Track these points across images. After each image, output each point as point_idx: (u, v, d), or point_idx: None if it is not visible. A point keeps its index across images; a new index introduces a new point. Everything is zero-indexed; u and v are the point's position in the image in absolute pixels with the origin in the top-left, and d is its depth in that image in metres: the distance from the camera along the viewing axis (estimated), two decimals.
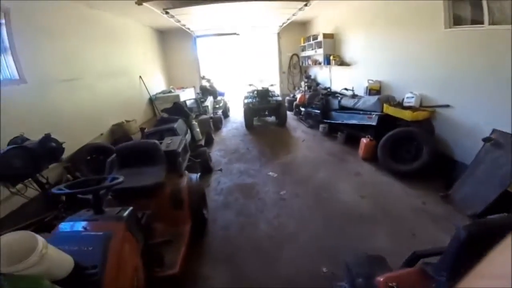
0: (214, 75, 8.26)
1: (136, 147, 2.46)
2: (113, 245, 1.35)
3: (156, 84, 7.63)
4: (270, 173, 4.00)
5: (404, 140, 3.65)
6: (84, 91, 4.26)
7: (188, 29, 7.21)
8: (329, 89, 5.54)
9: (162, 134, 3.40)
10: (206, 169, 3.97)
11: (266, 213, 3.00)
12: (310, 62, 7.95)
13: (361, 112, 4.53)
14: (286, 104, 7.41)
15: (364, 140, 4.25)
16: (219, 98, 7.45)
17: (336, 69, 6.61)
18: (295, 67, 9.23)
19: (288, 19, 6.65)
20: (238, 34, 8.45)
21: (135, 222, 1.66)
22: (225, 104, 7.57)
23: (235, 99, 9.09)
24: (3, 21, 3.00)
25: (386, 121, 4.06)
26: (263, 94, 6.04)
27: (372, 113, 4.29)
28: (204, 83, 7.35)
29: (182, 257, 1.95)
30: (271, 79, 8.44)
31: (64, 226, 1.50)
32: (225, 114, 7.60)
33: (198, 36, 8.46)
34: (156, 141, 2.45)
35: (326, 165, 4.16)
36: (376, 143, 3.99)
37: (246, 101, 6.07)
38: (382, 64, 4.81)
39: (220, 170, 4.16)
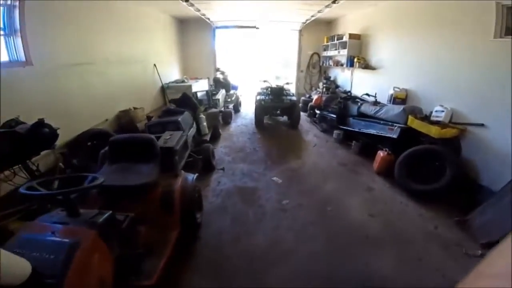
0: (229, 68, 8.06)
1: (130, 141, 2.29)
2: (78, 255, 1.21)
3: (171, 73, 7.53)
4: (275, 178, 3.76)
5: (426, 158, 3.30)
6: (94, 76, 4.19)
7: (208, 19, 7.02)
8: (349, 93, 5.18)
9: (164, 127, 3.24)
10: (207, 167, 3.80)
11: (265, 223, 2.78)
12: (331, 62, 7.56)
13: (382, 122, 4.17)
14: (301, 105, 7.10)
15: (381, 153, 3.90)
16: (231, 91, 7.24)
17: (359, 72, 6.21)
18: (314, 67, 8.86)
19: (312, 16, 6.31)
20: (257, 28, 8.16)
21: (112, 228, 1.50)
22: (237, 98, 7.35)
23: (248, 94, 8.87)
24: (17, 3, 2.93)
25: (409, 135, 3.71)
26: (277, 92, 5.75)
27: (395, 124, 3.93)
28: (218, 75, 7.15)
29: (162, 267, 1.78)
30: (287, 77, 8.20)
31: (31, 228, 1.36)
32: (236, 108, 7.40)
33: (217, 27, 8.26)
34: (152, 136, 2.27)
35: (336, 176, 3.88)
36: (394, 157, 3.66)
37: (258, 97, 5.81)
38: (411, 71, 4.42)
39: (222, 169, 3.97)
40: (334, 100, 6.26)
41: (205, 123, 4.32)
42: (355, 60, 5.83)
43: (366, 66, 5.61)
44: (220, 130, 5.22)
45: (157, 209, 2.11)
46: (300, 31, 8.45)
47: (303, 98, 7.70)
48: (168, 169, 2.37)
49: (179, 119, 3.26)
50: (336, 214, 2.94)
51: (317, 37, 8.37)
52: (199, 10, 5.63)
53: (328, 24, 8.35)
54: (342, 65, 6.84)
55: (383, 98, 4.77)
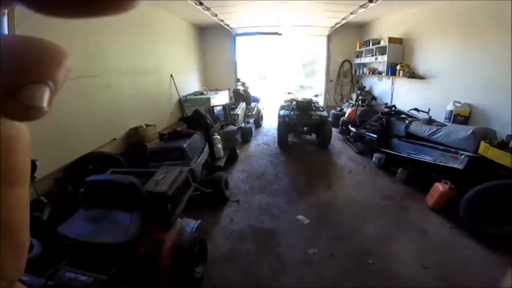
0: (250, 79, 7.55)
1: (107, 185, 1.76)
2: None
3: (189, 84, 7.17)
4: (300, 217, 3.03)
5: (505, 196, 2.47)
6: (98, 90, 3.80)
7: (227, 25, 6.60)
8: (393, 108, 4.30)
9: (166, 155, 2.72)
10: (219, 199, 3.19)
11: (283, 280, 2.16)
12: (366, 70, 6.69)
13: (441, 147, 3.29)
14: (330, 119, 6.31)
15: (440, 186, 3.02)
16: (252, 104, 6.66)
17: (401, 82, 5.30)
18: (345, 76, 8.01)
19: (343, 19, 5.57)
20: (280, 34, 7.58)
21: None
22: (258, 112, 6.73)
23: (271, 106, 8.26)
24: (5, 11, 2.60)
25: (480, 166, 2.82)
26: (304, 107, 5.02)
27: (460, 151, 3.03)
28: (239, 86, 6.63)
29: None
30: (313, 87, 7.48)
31: None
32: (258, 123, 6.78)
33: (237, 35, 7.82)
34: (134, 180, 1.71)
35: (378, 214, 3.08)
36: (458, 192, 2.84)
37: (282, 112, 5.12)
38: (476, 82, 3.50)
39: (237, 202, 3.33)
40: (370, 114, 5.40)
41: (220, 145, 3.74)
42: (398, 67, 4.95)
43: (412, 75, 4.70)
44: (238, 151, 4.61)
45: (137, 273, 1.61)
46: (329, 36, 7.70)
47: (333, 111, 6.87)
48: (158, 219, 1.82)
49: (184, 145, 2.70)
50: (380, 267, 2.26)
51: (348, 43, 7.58)
52: (216, 15, 5.19)
53: (360, 28, 7.52)
54: (380, 73, 5.96)
55: (437, 115, 3.84)
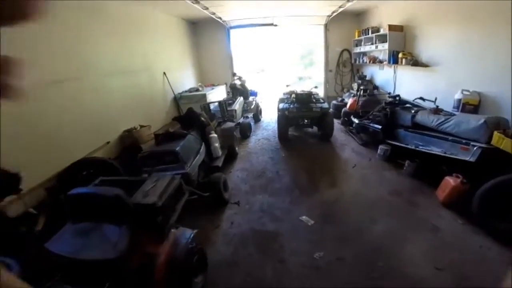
0: (247, 73, 7.32)
1: (91, 198, 1.60)
2: None
3: (185, 81, 6.94)
4: (304, 217, 2.89)
5: None
6: (86, 93, 3.59)
7: (220, 18, 6.34)
8: (397, 97, 4.10)
9: (159, 159, 2.55)
10: (218, 202, 3.05)
11: (288, 286, 2.06)
12: (366, 59, 6.45)
13: (450, 138, 3.11)
14: (331, 110, 6.11)
15: (451, 180, 2.86)
16: (250, 99, 6.45)
17: (404, 70, 5.07)
18: (345, 65, 7.77)
19: (340, 7, 5.32)
20: (276, 25, 7.29)
21: None
22: (257, 106, 6.52)
23: (270, 99, 8.05)
24: None
25: (493, 158, 2.64)
26: (304, 99, 4.82)
27: (471, 143, 2.85)
28: (235, 81, 6.40)
29: None
30: (311, 77, 7.23)
31: None
32: (257, 117, 6.58)
33: (231, 27, 7.54)
34: (119, 193, 1.56)
35: (387, 211, 2.92)
36: (471, 186, 2.67)
37: (281, 106, 4.92)
38: (486, 68, 3.29)
39: (237, 203, 3.19)
40: (373, 104, 5.21)
41: (217, 144, 3.57)
42: (400, 55, 4.72)
43: (415, 62, 4.48)
44: (237, 148, 4.44)
45: (133, 286, 1.53)
46: (326, 25, 7.43)
47: (334, 102, 6.66)
48: (149, 231, 1.69)
49: (178, 148, 2.52)
50: (391, 270, 2.14)
51: (346, 31, 7.31)
52: (207, 8, 4.93)
53: (357, 16, 7.25)
54: (381, 62, 5.72)
55: (444, 104, 3.65)
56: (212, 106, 4.72)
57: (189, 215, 2.41)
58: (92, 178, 2.92)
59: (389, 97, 4.28)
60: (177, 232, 1.88)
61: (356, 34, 6.81)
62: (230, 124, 4.22)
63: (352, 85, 6.76)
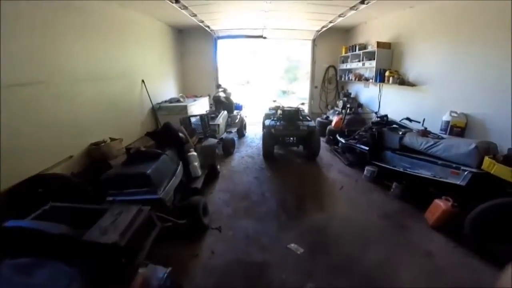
0: (232, 85, 7.14)
1: (31, 234, 1.26)
2: None
3: (165, 90, 6.60)
4: (292, 245, 2.65)
5: None
6: (49, 100, 3.17)
7: (208, 27, 6.17)
8: (385, 118, 4.08)
9: (127, 183, 2.22)
10: (197, 228, 2.73)
11: None
12: (351, 76, 6.52)
13: (440, 161, 3.06)
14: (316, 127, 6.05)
15: (441, 204, 2.82)
16: (235, 112, 6.23)
17: (390, 89, 5.12)
18: (330, 82, 7.83)
19: (330, 22, 5.34)
20: (265, 38, 7.25)
21: None
22: (241, 120, 6.30)
23: (254, 113, 7.89)
24: None
25: (484, 183, 2.63)
26: (291, 117, 4.67)
27: (461, 167, 2.81)
28: (219, 93, 6.18)
29: None
30: (297, 93, 7.22)
31: None
32: (241, 133, 6.36)
33: (219, 37, 7.39)
34: (67, 232, 1.25)
35: (378, 236, 2.81)
36: (461, 210, 2.65)
37: (267, 122, 4.74)
38: (471, 88, 3.33)
39: (219, 229, 2.88)
40: (357, 123, 5.22)
41: (196, 163, 3.27)
42: (387, 74, 4.76)
43: (402, 81, 4.53)
44: (218, 167, 4.14)
45: None
46: (314, 40, 7.50)
47: (318, 119, 6.61)
48: (111, 275, 1.36)
49: (149, 171, 2.20)
50: None
51: (333, 47, 7.40)
52: (195, 15, 4.73)
53: (345, 32, 7.38)
54: (366, 79, 5.78)
55: (431, 125, 3.65)
56: (193, 120, 4.42)
57: (162, 243, 2.10)
58: (47, 199, 2.54)
59: (377, 117, 4.25)
60: (148, 270, 1.56)
61: (343, 50, 6.88)
62: (212, 141, 3.94)
63: (337, 102, 6.77)
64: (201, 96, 7.28)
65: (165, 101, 6.04)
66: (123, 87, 4.75)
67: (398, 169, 3.53)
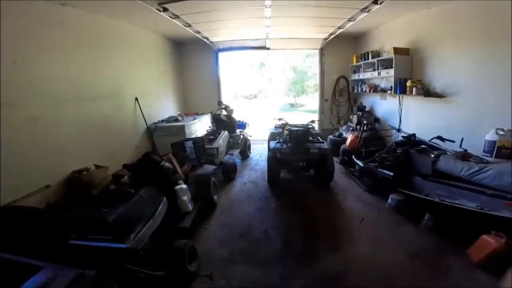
0: (237, 99, 6.78)
1: None
2: None
3: (164, 108, 6.30)
4: None
5: None
6: (23, 123, 2.89)
7: (207, 39, 5.90)
8: (413, 137, 3.51)
9: (87, 230, 1.78)
10: (180, 278, 2.24)
11: None
12: (366, 88, 6.02)
13: (488, 191, 2.49)
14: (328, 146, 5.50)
15: (492, 241, 2.35)
16: (237, 132, 5.80)
17: (412, 101, 4.57)
18: (341, 94, 7.33)
19: (339, 28, 4.94)
20: (268, 49, 6.93)
21: None
22: (245, 140, 5.84)
23: (260, 131, 7.46)
24: None
25: None
26: (300, 138, 4.12)
27: None
28: (219, 110, 5.80)
29: None
30: (307, 105, 6.72)
31: None
32: (244, 154, 5.87)
33: (220, 50, 7.13)
34: None
35: (409, 281, 2.31)
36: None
37: (272, 144, 4.23)
38: None
39: (209, 277, 2.38)
40: (374, 141, 4.66)
41: (186, 197, 2.81)
42: (408, 83, 4.24)
43: (428, 92, 3.99)
44: (215, 197, 3.65)
45: None
46: (321, 50, 7.10)
47: (331, 137, 6.07)
48: None
49: (111, 219, 1.75)
50: None
51: (343, 56, 6.93)
52: (189, 25, 4.44)
53: (355, 40, 6.96)
54: (383, 90, 5.27)
55: (469, 145, 3.06)
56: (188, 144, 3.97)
57: None
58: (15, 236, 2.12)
59: (402, 136, 3.70)
60: None
61: (354, 59, 6.41)
62: (207, 169, 3.47)
63: (351, 117, 6.24)
64: (202, 114, 6.94)
65: (162, 121, 5.70)
66: (113, 107, 4.44)
67: (432, 199, 2.94)
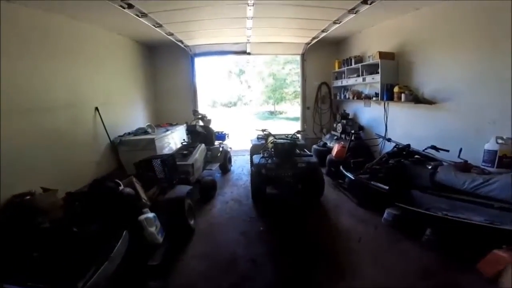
0: (215, 107, 6.39)
1: None
2: None
3: (132, 119, 5.74)
4: None
5: None
6: None
7: (181, 42, 5.49)
8: (407, 148, 3.33)
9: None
10: None
11: None
12: (349, 94, 5.92)
13: (496, 204, 2.33)
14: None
15: (505, 256, 2.19)
16: (216, 144, 5.37)
17: (398, 108, 4.48)
18: (323, 101, 7.22)
19: (323, 31, 4.79)
20: (249, 54, 6.67)
21: None
22: (225, 153, 5.41)
23: (242, 140, 7.10)
24: None
25: None
26: (287, 151, 3.78)
27: None
28: (194, 121, 5.35)
29: None
30: (288, 113, 6.53)
31: None
32: (225, 167, 5.43)
33: (196, 55, 6.73)
34: None
35: None
36: None
37: (256, 159, 3.84)
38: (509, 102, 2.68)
39: None
40: (361, 151, 4.51)
41: (153, 228, 2.34)
42: (396, 89, 4.13)
43: (416, 98, 3.89)
44: (192, 222, 3.18)
45: None
46: (303, 55, 6.97)
47: (315, 146, 5.85)
48: None
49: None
50: None
51: (324, 62, 6.90)
52: (160, 25, 4.02)
53: (336, 45, 6.91)
54: (368, 97, 5.17)
55: (467, 155, 2.92)
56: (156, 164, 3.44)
57: None
58: None
59: (395, 147, 3.52)
60: None
61: (336, 65, 6.32)
62: (181, 191, 2.99)
63: (336, 125, 6.08)
64: (176, 125, 6.44)
65: (129, 133, 5.13)
66: (68, 119, 3.87)
67: (434, 213, 2.73)
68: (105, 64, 4.84)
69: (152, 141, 4.64)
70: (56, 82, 3.68)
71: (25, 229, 2.36)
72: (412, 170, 3.09)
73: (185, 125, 6.22)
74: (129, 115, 5.70)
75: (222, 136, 5.68)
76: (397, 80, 4.38)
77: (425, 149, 3.30)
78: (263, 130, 4.67)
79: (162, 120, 6.81)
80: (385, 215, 3.27)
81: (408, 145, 3.39)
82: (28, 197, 2.93)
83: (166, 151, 5.02)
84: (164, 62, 6.88)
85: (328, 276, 2.45)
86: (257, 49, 6.59)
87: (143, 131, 5.20)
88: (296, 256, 2.75)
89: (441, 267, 2.49)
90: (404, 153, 3.37)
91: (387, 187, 3.16)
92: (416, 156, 3.30)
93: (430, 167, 2.92)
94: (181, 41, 5.47)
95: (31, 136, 3.24)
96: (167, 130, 5.62)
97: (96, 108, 4.43)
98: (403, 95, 3.96)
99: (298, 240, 3.04)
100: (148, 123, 5.59)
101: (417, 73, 4.02)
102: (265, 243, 3.02)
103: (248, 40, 5.69)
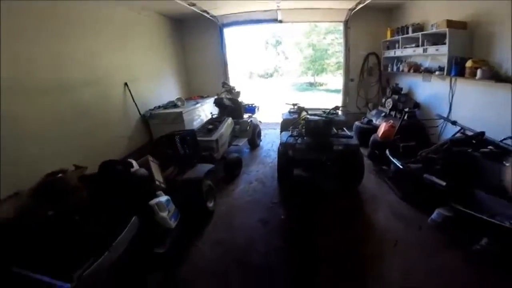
0: (250, 81, 6.07)
1: None
2: None
3: (163, 93, 5.68)
4: None
5: None
6: None
7: (206, 12, 5.12)
8: (480, 136, 2.61)
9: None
10: None
11: None
12: (404, 67, 5.02)
13: None
14: (354, 134, 4.66)
15: None
16: (245, 117, 5.08)
17: (470, 86, 3.58)
18: (371, 73, 6.33)
19: None
20: (280, 22, 5.99)
21: None
22: (253, 128, 5.07)
23: (275, 112, 6.71)
24: None
25: None
26: (320, 129, 3.24)
27: None
28: (222, 94, 5.08)
29: None
30: (328, 85, 5.72)
31: None
32: (253, 142, 5.14)
33: (224, 25, 6.31)
34: None
35: None
36: None
37: (284, 137, 3.40)
38: None
39: None
40: (413, 132, 3.83)
41: (165, 213, 2.22)
42: (469, 64, 3.27)
43: (498, 76, 3.02)
44: (211, 204, 3.04)
45: None
46: (346, 22, 6.05)
47: (357, 123, 5.20)
48: None
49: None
50: None
51: (372, 30, 5.98)
52: None
53: (387, 11, 5.86)
54: (429, 71, 4.27)
55: None
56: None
57: None
58: None
59: (462, 133, 2.83)
60: None
61: (389, 33, 5.41)
62: (200, 170, 2.82)
63: (383, 100, 5.31)
64: (207, 97, 6.28)
65: (159, 107, 5.09)
66: (97, 95, 3.87)
67: (499, 222, 2.14)
68: (133, 40, 4.75)
69: (180, 114, 4.55)
70: (81, 61, 3.61)
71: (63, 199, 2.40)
72: (482, 165, 2.44)
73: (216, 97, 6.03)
74: (160, 89, 5.64)
75: (252, 109, 5.36)
76: (470, 53, 3.47)
77: (504, 139, 2.57)
78: (294, 105, 4.20)
79: (193, 93, 6.75)
80: (433, 215, 2.75)
81: (482, 133, 2.66)
82: (60, 175, 3.03)
83: (195, 124, 4.94)
84: (193, 35, 6.63)
85: (353, 282, 2.13)
86: (290, 16, 5.89)
87: (173, 105, 5.13)
88: (314, 255, 2.44)
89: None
90: (474, 142, 2.67)
91: (444, 183, 2.57)
92: (490, 147, 2.59)
93: (508, 164, 2.25)
94: (206, 11, 5.13)
95: (59, 114, 3.25)
96: (197, 103, 5.49)
97: (126, 84, 4.39)
98: (478, 71, 3.09)
99: (320, 236, 2.71)
100: (178, 97, 5.50)
101: (500, 46, 3.09)
102: (285, 235, 2.76)
103: (278, 6, 5.07)
